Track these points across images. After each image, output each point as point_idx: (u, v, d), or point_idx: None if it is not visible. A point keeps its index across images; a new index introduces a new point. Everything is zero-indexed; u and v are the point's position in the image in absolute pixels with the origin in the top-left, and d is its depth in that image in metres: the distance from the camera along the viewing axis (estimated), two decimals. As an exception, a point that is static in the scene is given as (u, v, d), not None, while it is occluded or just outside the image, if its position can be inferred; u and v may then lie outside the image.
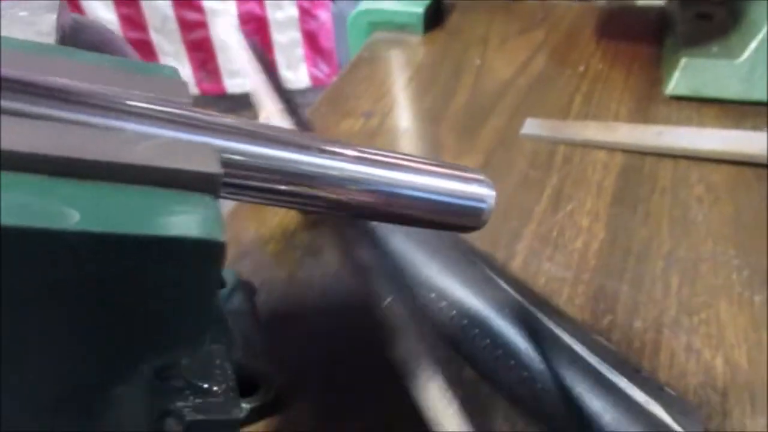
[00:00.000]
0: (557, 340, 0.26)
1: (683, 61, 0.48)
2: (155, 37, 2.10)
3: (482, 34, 0.61)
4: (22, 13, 0.22)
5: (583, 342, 0.25)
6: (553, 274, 0.35)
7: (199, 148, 0.13)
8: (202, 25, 2.10)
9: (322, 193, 0.15)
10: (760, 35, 0.45)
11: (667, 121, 0.47)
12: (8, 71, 0.11)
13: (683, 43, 0.50)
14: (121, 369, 0.11)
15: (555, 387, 0.24)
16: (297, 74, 2.19)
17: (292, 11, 2.09)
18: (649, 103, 0.49)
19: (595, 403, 0.23)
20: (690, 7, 0.56)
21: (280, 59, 2.15)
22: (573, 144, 0.45)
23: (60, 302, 0.10)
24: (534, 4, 0.66)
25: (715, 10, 0.54)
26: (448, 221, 0.17)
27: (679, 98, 0.49)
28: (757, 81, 0.46)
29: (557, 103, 0.50)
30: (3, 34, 0.19)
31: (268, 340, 0.32)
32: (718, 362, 0.30)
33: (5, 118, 0.11)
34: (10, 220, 0.09)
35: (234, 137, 0.14)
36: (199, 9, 2.08)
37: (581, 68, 0.55)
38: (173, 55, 2.08)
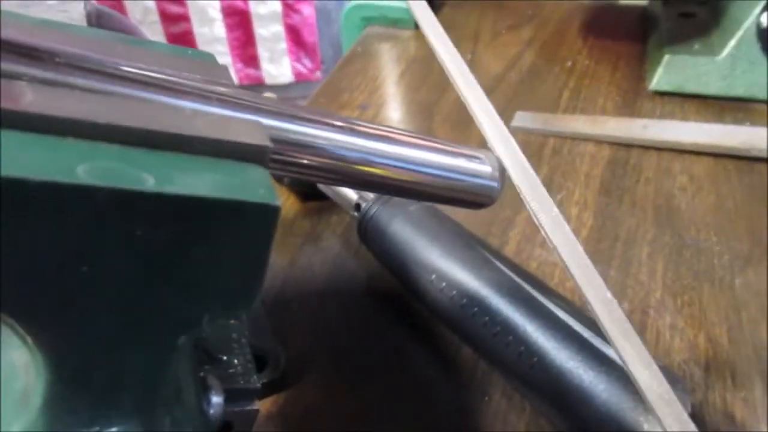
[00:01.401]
0: (552, 316, 0.27)
1: (666, 57, 0.50)
2: (137, 30, 2.07)
3: (473, 30, 0.62)
4: (51, 2, 0.23)
5: (576, 318, 0.27)
6: (545, 259, 0.37)
7: (250, 125, 0.14)
8: (185, 18, 2.08)
9: (356, 169, 0.16)
10: (740, 33, 0.47)
11: (651, 115, 0.49)
12: (89, 54, 0.13)
13: (666, 41, 0.52)
14: (188, 317, 0.13)
15: (551, 360, 0.26)
16: (280, 69, 2.19)
17: (276, 5, 2.09)
18: (634, 98, 0.51)
19: (589, 374, 0.25)
20: (673, 6, 0.58)
21: (263, 53, 2.15)
22: (562, 136, 0.47)
23: (137, 256, 0.11)
24: (523, 1, 0.68)
25: (697, 9, 0.56)
26: (463, 198, 0.19)
27: (662, 93, 0.51)
28: (736, 78, 0.48)
29: (546, 97, 0.52)
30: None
31: (273, 321, 0.33)
32: (701, 340, 0.32)
33: (85, 93, 0.12)
34: (96, 181, 0.11)
35: (278, 116, 0.15)
36: (181, 2, 2.07)
37: (569, 64, 0.56)
38: (155, 48, 2.06)
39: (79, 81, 0.13)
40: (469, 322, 0.29)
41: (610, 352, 0.25)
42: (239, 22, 2.10)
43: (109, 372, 0.12)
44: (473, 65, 0.57)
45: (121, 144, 0.12)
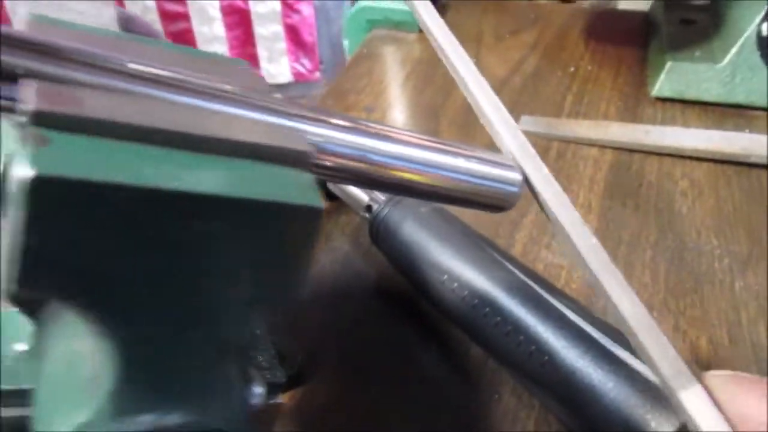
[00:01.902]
0: (563, 317, 0.28)
1: (668, 64, 0.51)
2: (136, 28, 2.08)
3: (476, 33, 0.63)
4: (81, 7, 0.24)
5: (585, 318, 0.28)
6: (551, 261, 0.38)
7: (291, 131, 0.15)
8: (184, 16, 2.08)
9: (388, 174, 0.17)
10: (741, 41, 0.48)
11: (653, 120, 0.50)
12: (139, 60, 0.13)
13: (668, 47, 0.53)
14: (239, 311, 0.13)
15: (561, 359, 0.27)
16: (279, 68, 2.20)
17: (275, 5, 2.09)
18: (636, 103, 0.52)
19: (598, 372, 0.26)
20: (674, 13, 0.59)
21: (262, 53, 2.15)
22: (566, 140, 0.48)
23: (196, 253, 0.12)
24: (525, 5, 0.69)
25: (698, 15, 0.57)
26: (484, 201, 0.20)
27: (664, 99, 0.52)
28: (737, 85, 0.49)
29: (550, 101, 0.53)
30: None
31: (287, 319, 0.34)
32: (703, 341, 0.33)
33: (140, 99, 0.13)
34: (161, 183, 0.11)
35: (314, 122, 0.16)
36: (182, 0, 2.07)
37: (571, 69, 0.57)
38: (154, 46, 2.06)
39: (133, 88, 0.13)
40: (480, 321, 0.30)
41: (618, 351, 0.26)
42: (239, 21, 2.11)
43: (170, 362, 0.13)
44: (478, 68, 0.58)
45: (176, 148, 0.12)
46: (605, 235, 0.39)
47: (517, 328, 0.28)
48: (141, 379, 0.13)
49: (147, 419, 0.12)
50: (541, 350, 0.27)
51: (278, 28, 2.15)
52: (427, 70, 0.58)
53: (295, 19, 2.14)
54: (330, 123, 0.16)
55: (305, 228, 0.13)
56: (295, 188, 0.13)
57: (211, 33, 2.11)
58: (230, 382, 0.14)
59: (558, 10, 0.70)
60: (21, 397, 0.19)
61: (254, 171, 0.13)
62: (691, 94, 0.51)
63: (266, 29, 2.15)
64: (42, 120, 0.11)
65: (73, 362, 0.13)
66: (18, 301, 0.12)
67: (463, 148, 0.19)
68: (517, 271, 0.30)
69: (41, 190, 0.10)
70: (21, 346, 0.19)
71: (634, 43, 0.61)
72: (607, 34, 0.63)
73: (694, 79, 0.51)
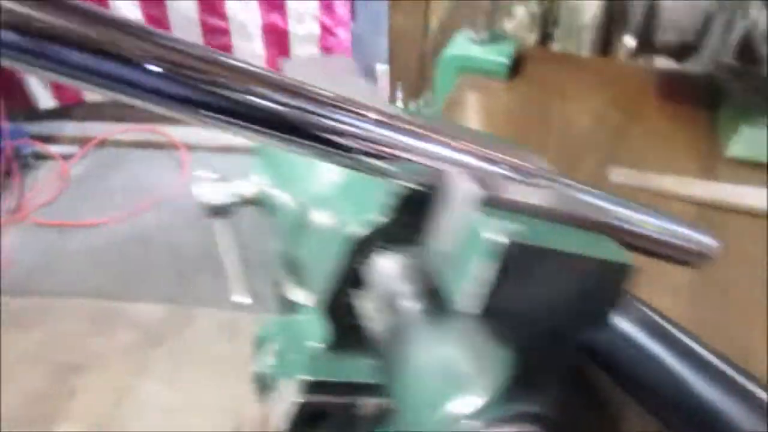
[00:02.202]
0: (695, 353, 0.33)
1: (742, 129, 0.57)
2: (177, 39, 2.15)
3: (559, 86, 0.69)
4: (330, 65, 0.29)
5: (710, 351, 0.33)
6: (654, 304, 0.43)
7: (594, 205, 0.20)
8: (225, 31, 2.16)
9: (626, 234, 0.23)
10: (811, 114, 0.54)
11: (727, 177, 0.56)
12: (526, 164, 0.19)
13: (740, 113, 0.59)
14: (574, 330, 0.19)
15: (696, 391, 0.32)
16: (311, 89, 2.25)
17: (314, 27, 2.17)
18: (712, 161, 0.58)
19: (729, 402, 0.31)
20: (740, 81, 0.64)
21: (296, 72, 2.21)
22: (652, 193, 0.53)
23: (563, 290, 0.18)
24: (596, 61, 0.75)
25: (762, 84, 0.63)
26: (686, 259, 0.25)
27: (737, 160, 0.58)
28: (807, 151, 0.55)
29: (633, 154, 0.58)
30: (338, 92, 0.25)
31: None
32: (796, 381, 0.38)
33: (518, 186, 0.19)
34: (569, 248, 0.17)
35: (587, 194, 0.21)
36: (224, 16, 2.14)
37: (650, 125, 0.63)
38: (194, 59, 2.13)
39: (537, 181, 0.19)
40: (615, 354, 0.35)
41: (749, 385, 0.31)
42: (277, 40, 2.18)
43: (536, 366, 0.18)
44: (565, 120, 0.64)
45: (556, 221, 0.18)
46: (701, 283, 0.45)
47: (651, 359, 0.33)
48: (519, 377, 0.18)
49: (519, 406, 0.18)
50: (676, 381, 0.32)
51: (314, 50, 2.22)
52: (518, 119, 0.64)
53: (331, 42, 2.20)
54: (598, 195, 0.22)
55: (622, 278, 0.19)
56: (617, 249, 0.19)
57: (250, 50, 2.18)
58: (565, 385, 0.20)
59: (626, 67, 0.76)
60: (321, 387, 0.24)
61: (594, 239, 0.19)
62: (764, 158, 0.57)
63: (303, 50, 2.21)
64: (488, 201, 0.17)
65: (450, 363, 0.18)
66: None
67: (674, 216, 0.25)
68: (647, 310, 0.36)
69: (511, 252, 0.16)
70: (319, 345, 0.25)
71: (703, 102, 0.66)
72: (676, 93, 0.69)
73: (766, 143, 0.56)
